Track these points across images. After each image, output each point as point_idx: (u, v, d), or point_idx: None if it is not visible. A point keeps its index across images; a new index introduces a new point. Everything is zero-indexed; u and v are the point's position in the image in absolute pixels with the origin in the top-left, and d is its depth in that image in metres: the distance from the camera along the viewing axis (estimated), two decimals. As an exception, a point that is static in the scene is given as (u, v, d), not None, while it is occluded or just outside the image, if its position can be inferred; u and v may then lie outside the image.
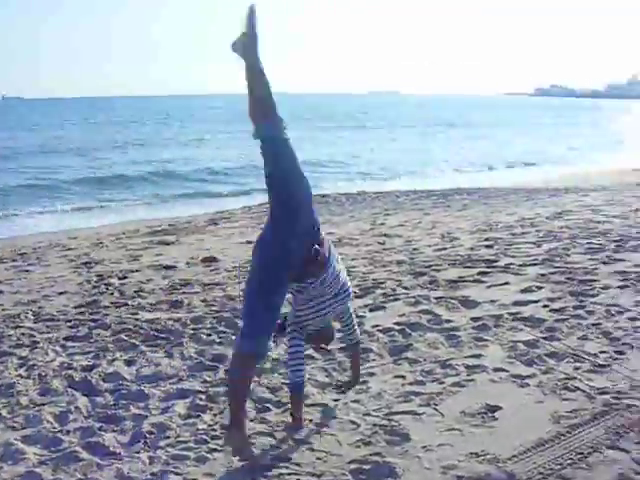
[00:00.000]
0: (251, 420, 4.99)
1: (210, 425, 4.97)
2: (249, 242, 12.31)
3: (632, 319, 6.84)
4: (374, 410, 5.10)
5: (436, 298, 7.79)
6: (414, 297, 7.87)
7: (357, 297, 8.00)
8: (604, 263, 9.16)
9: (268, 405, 5.31)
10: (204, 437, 4.78)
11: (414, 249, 10.71)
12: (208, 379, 5.82)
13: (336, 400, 5.33)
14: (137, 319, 7.61)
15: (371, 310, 7.55)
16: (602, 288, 7.94)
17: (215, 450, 4.59)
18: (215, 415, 5.13)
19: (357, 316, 7.22)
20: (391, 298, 7.94)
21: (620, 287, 7.98)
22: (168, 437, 4.82)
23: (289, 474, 4.27)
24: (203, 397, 5.45)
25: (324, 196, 20.07)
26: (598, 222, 12.45)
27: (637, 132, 60.85)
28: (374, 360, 6.11)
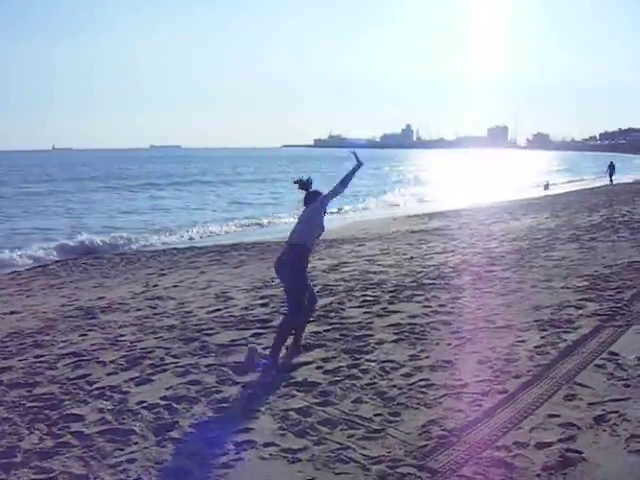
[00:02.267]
0: None
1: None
2: (13, 312, 11.35)
3: (406, 375, 6.73)
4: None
5: (206, 366, 7.32)
6: (183, 366, 7.36)
7: (123, 370, 7.43)
8: (379, 316, 9.16)
9: None
10: None
11: (187, 312, 10.19)
12: None
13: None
14: None
15: (137, 384, 6.93)
16: (377, 343, 7.85)
17: None
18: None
19: (121, 392, 6.68)
20: (159, 369, 7.36)
21: (394, 341, 7.94)
22: None
23: None
24: None
25: (97, 257, 19.14)
26: (374, 273, 12.57)
27: (409, 179, 64.10)
28: (136, 444, 5.49)
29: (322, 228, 7.87)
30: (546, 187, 41.56)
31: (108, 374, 7.31)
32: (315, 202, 7.71)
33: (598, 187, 45.01)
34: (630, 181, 54.72)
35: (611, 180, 49.87)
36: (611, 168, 50.71)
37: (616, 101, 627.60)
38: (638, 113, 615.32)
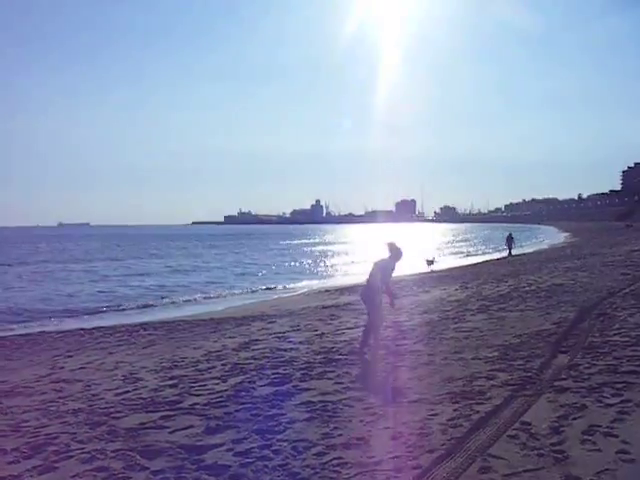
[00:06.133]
0: None
1: None
2: None
3: (319, 454, 6.66)
4: None
5: (114, 451, 7.09)
6: (89, 452, 7.10)
7: (25, 458, 7.13)
8: (290, 394, 9.03)
9: None
10: None
11: (94, 395, 9.90)
12: None
13: None
14: None
15: (40, 473, 6.64)
16: (288, 422, 7.75)
17: None
18: None
19: (23, 483, 6.40)
20: (64, 456, 7.09)
21: (307, 419, 7.86)
22: None
23: None
24: None
25: (-1, 338, 18.53)
26: (285, 350, 12.52)
27: (319, 256, 64.68)
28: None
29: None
30: (430, 263, 39.85)
31: (9, 463, 6.99)
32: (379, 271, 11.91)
33: (497, 259, 46.12)
34: (531, 251, 56.31)
35: (510, 252, 51.03)
36: (510, 240, 51.98)
37: (519, 174, 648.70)
38: (540, 185, 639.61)
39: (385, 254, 12.13)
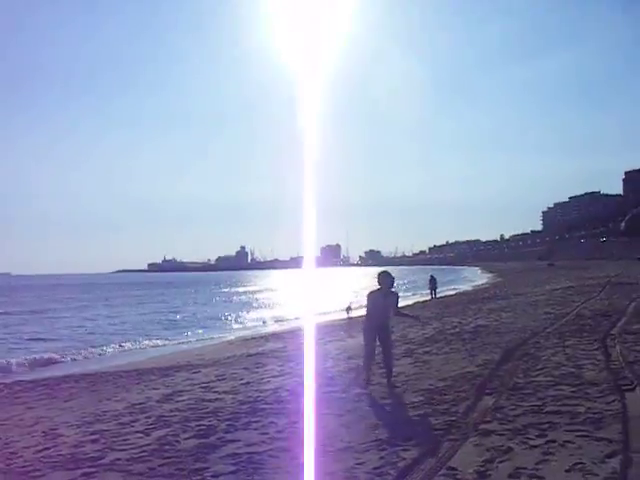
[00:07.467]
0: None
1: None
2: None
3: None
4: None
5: (32, 513, 6.84)
6: (6, 515, 6.84)
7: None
8: (215, 447, 8.88)
9: None
10: None
11: (11, 453, 9.53)
12: None
13: None
14: None
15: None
16: (213, 476, 7.58)
17: None
18: None
19: None
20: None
21: (232, 472, 7.69)
22: None
23: None
24: None
25: None
26: (209, 400, 12.36)
27: (244, 304, 64.55)
28: None
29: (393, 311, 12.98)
30: (348, 310, 39.05)
31: None
32: (387, 300, 12.73)
33: (422, 302, 46.35)
34: (454, 293, 56.85)
35: (433, 294, 50.84)
36: (432, 282, 51.55)
37: (442, 217, 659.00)
38: (462, 227, 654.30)
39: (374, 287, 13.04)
